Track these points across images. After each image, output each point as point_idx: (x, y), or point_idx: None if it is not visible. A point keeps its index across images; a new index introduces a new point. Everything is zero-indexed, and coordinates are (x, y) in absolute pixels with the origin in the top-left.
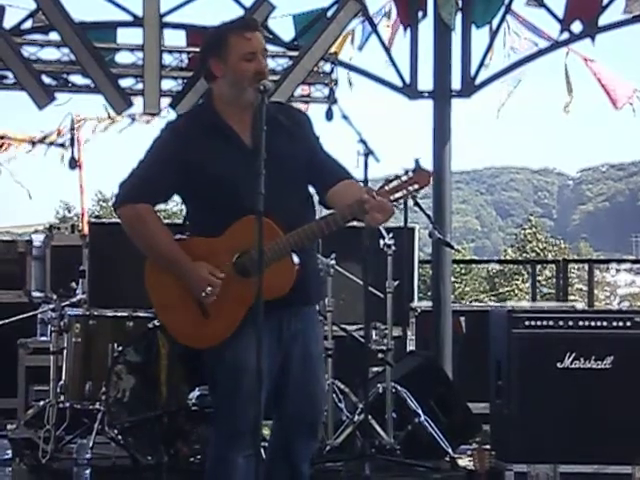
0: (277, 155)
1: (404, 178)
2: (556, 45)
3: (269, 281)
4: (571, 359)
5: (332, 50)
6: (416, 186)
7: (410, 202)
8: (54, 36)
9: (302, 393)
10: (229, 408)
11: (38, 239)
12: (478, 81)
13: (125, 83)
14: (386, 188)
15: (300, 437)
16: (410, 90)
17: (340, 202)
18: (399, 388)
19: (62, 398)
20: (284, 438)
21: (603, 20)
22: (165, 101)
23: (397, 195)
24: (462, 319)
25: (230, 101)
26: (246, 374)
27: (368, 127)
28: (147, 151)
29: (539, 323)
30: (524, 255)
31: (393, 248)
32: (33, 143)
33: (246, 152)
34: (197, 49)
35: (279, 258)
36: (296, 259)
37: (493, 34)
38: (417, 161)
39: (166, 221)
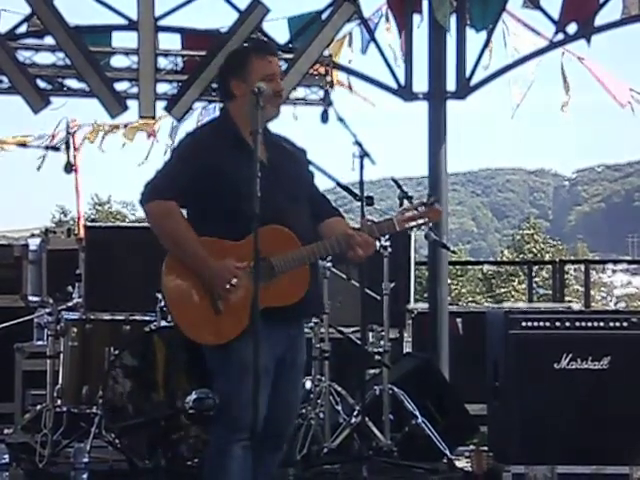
0: (289, 174)
1: (421, 210)
2: (553, 45)
3: (285, 287)
4: (568, 360)
5: (328, 53)
6: (427, 219)
7: (406, 204)
8: (49, 40)
9: (279, 401)
10: (233, 405)
11: (34, 243)
12: (473, 82)
13: (120, 87)
14: (405, 216)
15: (270, 449)
16: (405, 92)
17: (329, 235)
18: (396, 390)
19: (59, 402)
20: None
21: (598, 21)
22: (160, 105)
23: (411, 224)
24: (459, 320)
25: (248, 119)
26: (250, 373)
27: (363, 129)
28: (171, 155)
29: (536, 324)
30: (521, 256)
31: (389, 250)
32: (28, 147)
33: (263, 167)
34: (192, 52)
35: (297, 266)
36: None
37: (488, 35)
38: (430, 196)
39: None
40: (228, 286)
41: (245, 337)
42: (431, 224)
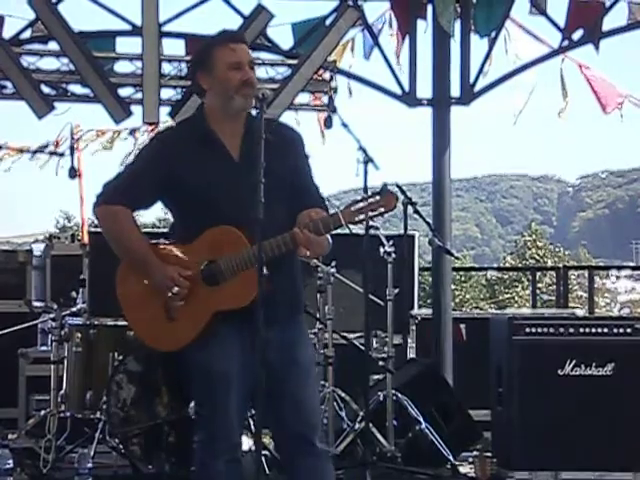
0: (264, 170)
1: (371, 200)
2: (556, 51)
3: (232, 290)
4: (572, 366)
5: (332, 58)
6: (382, 209)
7: (410, 210)
8: (53, 46)
9: (291, 404)
10: (203, 414)
11: (38, 249)
12: (477, 88)
13: (124, 92)
14: (352, 209)
15: (297, 455)
16: (409, 98)
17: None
18: (400, 396)
19: (63, 407)
20: (284, 454)
21: (604, 26)
22: (164, 110)
23: (361, 217)
24: (462, 326)
25: (220, 112)
26: (214, 380)
27: (367, 135)
28: (135, 157)
29: (539, 330)
30: (524, 262)
31: (393, 256)
32: (32, 153)
33: (231, 164)
34: None
35: (247, 268)
36: (265, 272)
37: (492, 41)
38: (385, 185)
39: (147, 230)
40: (170, 294)
41: (201, 343)
42: (433, 231)
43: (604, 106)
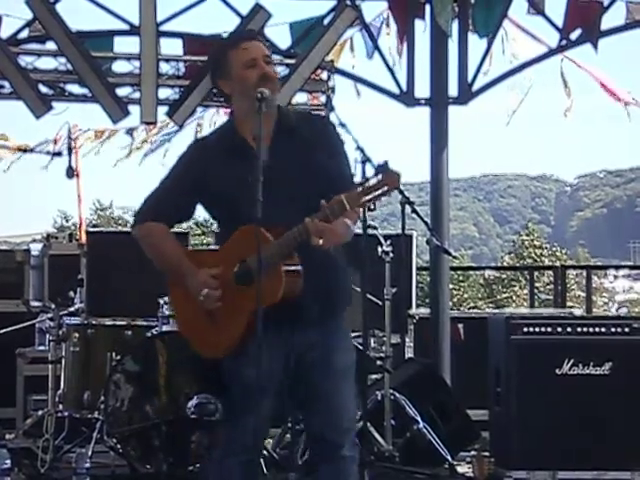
0: (291, 168)
1: (373, 181)
2: (554, 51)
3: (266, 288)
4: (569, 365)
5: (330, 58)
6: (385, 188)
7: (408, 209)
8: (51, 45)
9: (322, 408)
10: (231, 414)
11: (36, 248)
12: (475, 88)
13: (122, 92)
14: (355, 191)
15: (322, 459)
16: (407, 97)
17: None
18: (398, 395)
19: (61, 407)
20: (312, 456)
21: (602, 26)
22: (162, 110)
23: (367, 198)
24: (460, 326)
25: (245, 114)
26: (245, 384)
27: (365, 134)
28: (170, 168)
29: (537, 329)
30: (521, 262)
31: (391, 255)
32: (30, 152)
33: (256, 161)
34: (194, 58)
35: (269, 265)
36: (298, 267)
37: (490, 41)
38: (386, 162)
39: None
40: (201, 298)
41: (239, 349)
42: (431, 230)
43: (619, 99)
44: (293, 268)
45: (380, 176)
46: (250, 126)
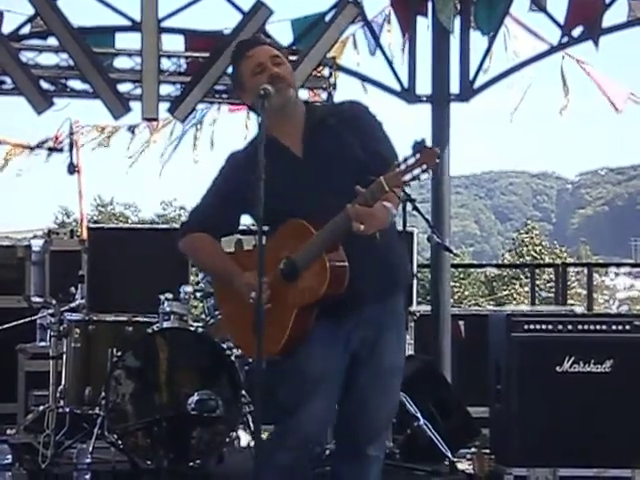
0: (324, 160)
1: (411, 160)
2: (556, 48)
3: (304, 284)
4: (570, 363)
5: (332, 55)
6: (424, 166)
7: (409, 206)
8: (52, 41)
9: (355, 403)
10: (286, 409)
11: (37, 244)
12: (477, 85)
13: (123, 88)
14: (394, 172)
15: (343, 457)
16: (408, 94)
17: None
18: None
19: (62, 403)
20: (336, 450)
21: (604, 23)
22: (163, 106)
23: (406, 178)
24: (461, 323)
25: (272, 118)
26: (304, 379)
27: None
28: (212, 180)
29: (538, 327)
30: (520, 260)
31: None
32: (31, 148)
33: (297, 162)
34: (195, 54)
35: (313, 258)
36: (343, 256)
37: (492, 38)
38: (423, 140)
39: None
40: (250, 300)
41: (294, 345)
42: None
43: (614, 104)
44: (339, 264)
45: (418, 155)
46: (282, 128)
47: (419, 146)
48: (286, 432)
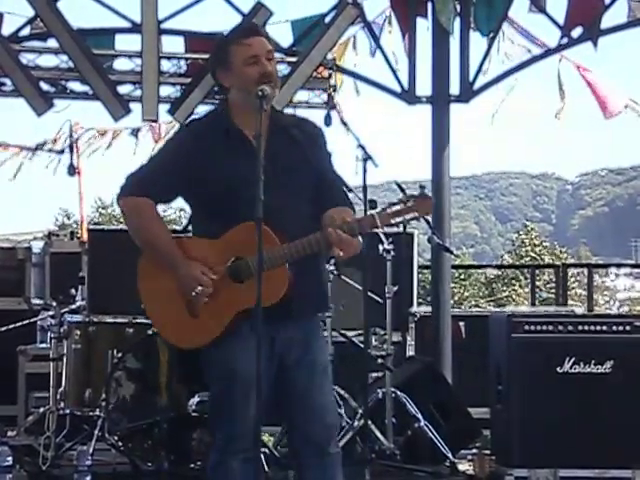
0: (287, 166)
1: (407, 204)
2: (552, 51)
3: (263, 288)
4: (571, 363)
5: (333, 56)
6: (415, 214)
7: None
8: (52, 43)
9: (306, 406)
10: (222, 411)
11: (37, 246)
12: (476, 86)
13: (123, 90)
14: (388, 211)
15: (308, 459)
16: (409, 95)
17: (323, 228)
18: (399, 393)
19: (62, 405)
20: (294, 454)
21: (603, 24)
22: (163, 108)
23: (397, 220)
24: (461, 324)
25: (243, 108)
26: (237, 377)
27: (366, 132)
28: (160, 149)
29: (539, 328)
30: (520, 261)
31: (392, 253)
32: (31, 150)
33: (256, 156)
34: (195, 55)
35: (273, 266)
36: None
37: (491, 40)
38: (422, 188)
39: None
40: (194, 294)
41: (223, 341)
42: (432, 229)
43: (605, 110)
44: (292, 277)
45: (414, 201)
46: (246, 120)
47: (419, 194)
48: (231, 438)
